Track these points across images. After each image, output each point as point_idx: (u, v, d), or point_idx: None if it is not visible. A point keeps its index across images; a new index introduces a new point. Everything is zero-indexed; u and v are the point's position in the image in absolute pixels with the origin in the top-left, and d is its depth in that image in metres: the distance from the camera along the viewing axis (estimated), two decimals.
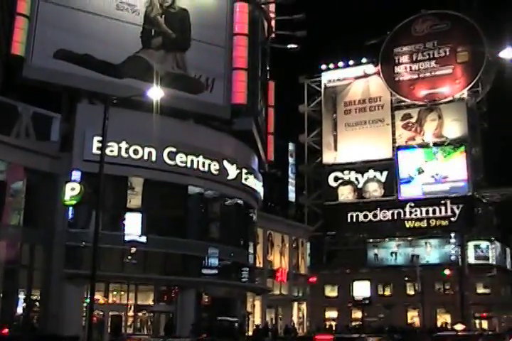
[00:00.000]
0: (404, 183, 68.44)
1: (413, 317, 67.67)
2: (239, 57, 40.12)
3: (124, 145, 33.74)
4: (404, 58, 70.28)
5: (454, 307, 63.67)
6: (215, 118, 39.81)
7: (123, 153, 33.72)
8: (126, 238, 34.25)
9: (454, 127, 67.11)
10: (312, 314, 61.44)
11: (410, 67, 69.96)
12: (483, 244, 69.69)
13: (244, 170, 39.85)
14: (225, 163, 38.28)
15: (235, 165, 38.92)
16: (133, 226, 34.59)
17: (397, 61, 70.72)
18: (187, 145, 36.33)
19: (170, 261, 35.75)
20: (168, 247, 34.94)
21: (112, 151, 32.74)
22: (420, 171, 68.11)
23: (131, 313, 34.97)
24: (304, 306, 59.38)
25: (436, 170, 67.21)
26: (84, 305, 31.63)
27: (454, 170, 66.20)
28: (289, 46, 49.12)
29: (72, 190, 25.85)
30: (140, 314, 35.56)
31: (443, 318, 67.12)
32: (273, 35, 49.03)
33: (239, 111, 39.69)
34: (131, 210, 34.98)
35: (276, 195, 64.94)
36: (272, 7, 48.83)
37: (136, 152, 34.20)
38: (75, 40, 35.34)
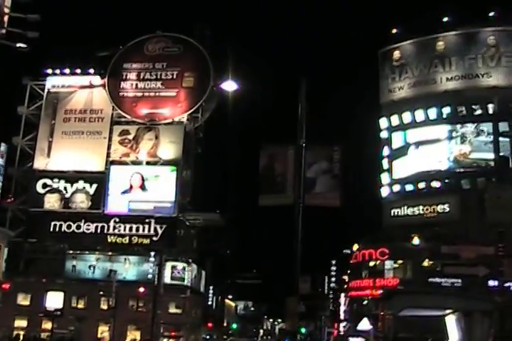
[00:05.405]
0: (115, 198, 68.55)
1: (103, 331, 67.72)
2: None
3: None
4: (132, 75, 70.78)
5: (145, 324, 64.43)
6: None
7: None
8: None
9: (169, 149, 68.47)
10: (1, 322, 59.49)
11: (136, 85, 70.55)
12: (181, 265, 71.74)
13: None
14: None
15: None
16: None
17: (124, 77, 70.98)
18: None
19: None
20: None
21: None
22: (127, 189, 68.66)
23: None
24: None
25: (146, 189, 68.12)
26: None
27: (161, 191, 67.44)
28: (18, 45, 47.50)
29: None
30: None
31: (133, 335, 67.96)
32: (3, 31, 47.18)
33: None
34: None
35: None
36: (8, 2, 47.06)
37: None
38: None
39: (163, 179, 67.68)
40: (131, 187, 68.47)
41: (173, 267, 71.10)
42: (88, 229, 67.91)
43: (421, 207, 65.48)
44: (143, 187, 68.22)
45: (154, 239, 66.57)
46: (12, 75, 69.03)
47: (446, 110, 66.45)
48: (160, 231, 66.36)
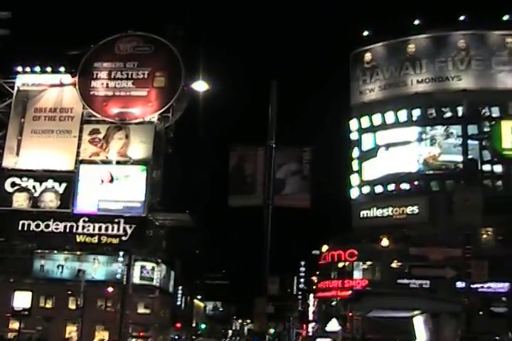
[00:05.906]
0: (84, 197, 68.12)
1: (71, 331, 67.28)
2: None
3: None
4: (103, 74, 70.29)
5: (113, 324, 64.09)
6: None
7: None
8: None
9: (139, 148, 68.06)
10: None
11: (107, 84, 70.04)
12: (150, 265, 71.47)
13: None
14: None
15: None
16: None
17: (95, 75, 70.46)
18: None
19: None
20: None
21: None
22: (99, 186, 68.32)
23: None
24: None
25: (115, 188, 67.78)
26: None
27: (131, 190, 67.09)
28: None
29: None
30: None
31: (101, 335, 67.56)
32: None
33: None
34: None
35: None
36: None
37: None
38: None
39: (133, 178, 67.30)
40: (101, 181, 68.11)
41: (142, 267, 70.82)
42: (57, 229, 67.40)
43: (390, 209, 65.96)
44: (112, 181, 67.80)
45: (123, 238, 66.25)
46: None
47: (416, 112, 67.04)
48: (129, 231, 66.07)
